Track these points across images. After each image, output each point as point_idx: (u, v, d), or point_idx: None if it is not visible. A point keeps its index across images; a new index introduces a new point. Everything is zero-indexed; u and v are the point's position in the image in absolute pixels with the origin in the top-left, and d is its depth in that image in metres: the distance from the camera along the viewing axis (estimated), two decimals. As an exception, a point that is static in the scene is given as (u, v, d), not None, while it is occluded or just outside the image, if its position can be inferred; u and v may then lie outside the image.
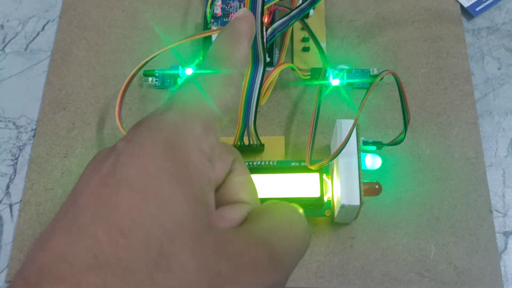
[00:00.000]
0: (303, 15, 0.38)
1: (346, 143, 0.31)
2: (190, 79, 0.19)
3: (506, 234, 0.37)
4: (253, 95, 0.31)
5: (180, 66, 0.41)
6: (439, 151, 0.39)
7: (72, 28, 0.45)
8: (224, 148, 0.22)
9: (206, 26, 0.43)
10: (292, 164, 0.35)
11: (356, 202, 0.32)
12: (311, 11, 0.44)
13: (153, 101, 0.42)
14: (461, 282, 0.35)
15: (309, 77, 0.41)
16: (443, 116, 0.40)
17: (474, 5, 0.45)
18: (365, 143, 0.35)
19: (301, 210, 0.21)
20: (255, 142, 0.36)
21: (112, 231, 0.14)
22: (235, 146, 0.37)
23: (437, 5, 0.45)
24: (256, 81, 0.30)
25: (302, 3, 0.38)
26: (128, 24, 0.45)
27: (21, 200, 0.38)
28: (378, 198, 0.36)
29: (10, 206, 0.39)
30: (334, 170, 0.34)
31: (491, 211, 0.37)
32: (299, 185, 0.34)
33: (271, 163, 0.35)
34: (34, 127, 0.41)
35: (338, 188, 0.33)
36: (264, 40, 0.28)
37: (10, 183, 0.39)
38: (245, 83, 0.30)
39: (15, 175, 0.40)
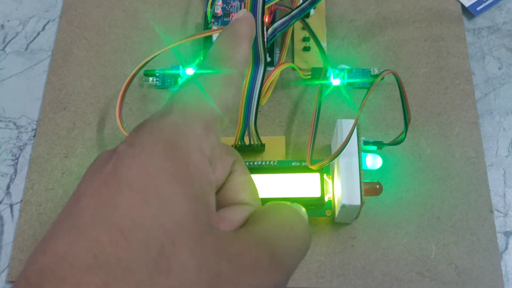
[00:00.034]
0: (303, 15, 0.38)
1: (347, 143, 0.31)
2: (191, 79, 0.19)
3: (506, 234, 0.37)
4: (254, 95, 0.31)
5: (180, 66, 0.41)
6: (440, 151, 0.39)
7: (73, 28, 0.45)
8: (224, 149, 0.22)
9: (206, 26, 0.43)
10: (293, 164, 0.35)
11: (357, 202, 0.32)
12: (312, 11, 0.44)
13: (154, 101, 0.42)
14: (462, 282, 0.35)
15: (309, 76, 0.41)
16: (444, 116, 0.40)
17: (475, 5, 0.45)
18: (366, 143, 0.35)
19: (303, 209, 0.21)
20: (256, 142, 0.36)
21: (112, 232, 0.14)
22: (235, 146, 0.37)
23: (437, 5, 0.45)
24: (257, 81, 0.30)
25: (303, 2, 0.38)
26: (128, 24, 0.45)
27: (21, 200, 0.38)
28: (379, 198, 0.36)
29: (11, 206, 0.39)
30: (334, 170, 0.34)
31: (491, 211, 0.37)
32: (300, 185, 0.34)
33: (271, 163, 0.35)
34: (34, 127, 0.41)
35: (338, 188, 0.33)
36: (265, 40, 0.28)
37: (10, 183, 0.39)
38: (245, 83, 0.30)
39: (15, 175, 0.40)
